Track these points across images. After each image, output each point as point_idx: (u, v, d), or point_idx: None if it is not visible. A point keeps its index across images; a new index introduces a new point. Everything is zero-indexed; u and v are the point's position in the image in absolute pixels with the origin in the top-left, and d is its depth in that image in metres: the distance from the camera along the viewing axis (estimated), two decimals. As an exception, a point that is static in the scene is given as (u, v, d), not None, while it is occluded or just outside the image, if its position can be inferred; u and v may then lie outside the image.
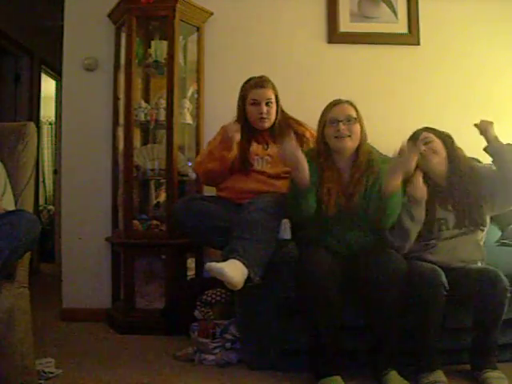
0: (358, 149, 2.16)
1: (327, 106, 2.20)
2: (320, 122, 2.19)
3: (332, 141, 2.14)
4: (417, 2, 3.05)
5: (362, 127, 2.16)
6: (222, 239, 2.13)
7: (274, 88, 2.49)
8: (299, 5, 3.06)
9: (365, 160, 2.15)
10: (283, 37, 3.03)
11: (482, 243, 2.20)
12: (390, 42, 3.05)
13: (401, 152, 1.94)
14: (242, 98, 2.49)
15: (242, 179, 2.43)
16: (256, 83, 2.46)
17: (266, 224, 2.09)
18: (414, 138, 2.20)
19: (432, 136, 2.20)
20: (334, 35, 3.04)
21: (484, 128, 2.12)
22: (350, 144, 2.13)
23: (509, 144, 2.15)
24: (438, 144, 2.19)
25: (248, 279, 1.95)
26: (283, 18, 3.05)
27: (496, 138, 2.12)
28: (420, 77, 3.04)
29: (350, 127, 2.12)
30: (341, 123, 2.11)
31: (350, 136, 2.12)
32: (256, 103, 2.44)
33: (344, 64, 3.04)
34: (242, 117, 2.48)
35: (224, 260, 1.96)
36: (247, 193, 2.35)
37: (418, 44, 3.05)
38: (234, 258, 1.96)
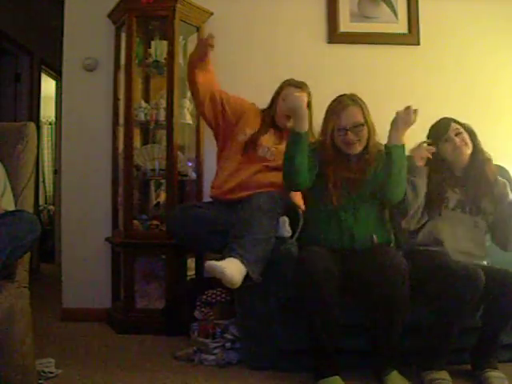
0: (366, 144, 2.20)
1: (334, 109, 2.18)
2: (327, 123, 2.19)
3: (342, 146, 2.18)
4: (417, 2, 3.05)
5: (368, 125, 2.18)
6: (222, 242, 2.13)
7: (309, 95, 2.43)
8: (299, 5, 3.06)
9: (374, 152, 2.20)
10: (283, 37, 3.03)
11: (484, 242, 2.21)
12: (390, 42, 3.04)
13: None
14: (277, 92, 2.53)
15: (240, 167, 2.42)
16: (294, 82, 2.50)
17: (262, 222, 2.09)
18: (441, 126, 2.22)
19: (461, 128, 2.21)
20: (334, 35, 3.04)
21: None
22: (360, 148, 2.19)
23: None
24: (466, 136, 2.21)
25: (247, 277, 1.95)
26: (283, 18, 3.05)
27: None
28: (420, 77, 3.04)
29: (358, 133, 2.15)
30: (349, 132, 2.14)
31: (359, 140, 2.16)
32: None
33: (344, 64, 3.04)
34: (273, 109, 2.52)
35: (222, 258, 1.97)
36: (241, 187, 2.35)
37: (418, 44, 3.05)
38: (232, 256, 1.96)
